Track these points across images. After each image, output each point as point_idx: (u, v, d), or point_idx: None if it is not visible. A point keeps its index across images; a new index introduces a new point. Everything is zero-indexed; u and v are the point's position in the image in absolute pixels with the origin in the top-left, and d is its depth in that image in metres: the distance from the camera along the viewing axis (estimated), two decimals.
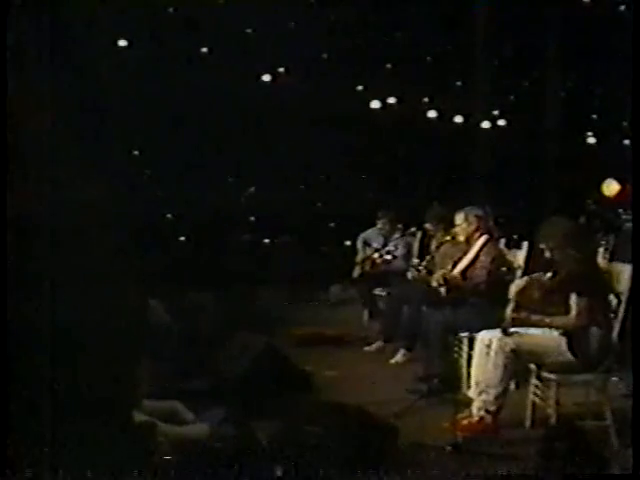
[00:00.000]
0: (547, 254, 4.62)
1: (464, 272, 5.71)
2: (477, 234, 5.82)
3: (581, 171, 12.88)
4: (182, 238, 10.40)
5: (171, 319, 5.84)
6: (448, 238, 6.00)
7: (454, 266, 5.80)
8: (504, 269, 5.39)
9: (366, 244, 8.11)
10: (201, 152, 9.78)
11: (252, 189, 11.18)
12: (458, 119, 13.67)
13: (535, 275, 4.66)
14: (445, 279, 5.57)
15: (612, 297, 4.60)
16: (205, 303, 7.10)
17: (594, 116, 13.85)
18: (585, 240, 4.71)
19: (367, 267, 7.78)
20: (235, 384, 5.07)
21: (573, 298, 4.41)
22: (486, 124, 13.79)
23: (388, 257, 7.63)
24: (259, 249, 10.91)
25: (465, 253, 5.80)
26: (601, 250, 6.81)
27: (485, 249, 5.74)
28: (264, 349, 5.43)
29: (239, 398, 4.80)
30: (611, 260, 6.45)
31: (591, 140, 14.21)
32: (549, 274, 4.56)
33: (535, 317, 4.53)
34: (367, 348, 7.01)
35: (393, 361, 6.45)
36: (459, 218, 5.88)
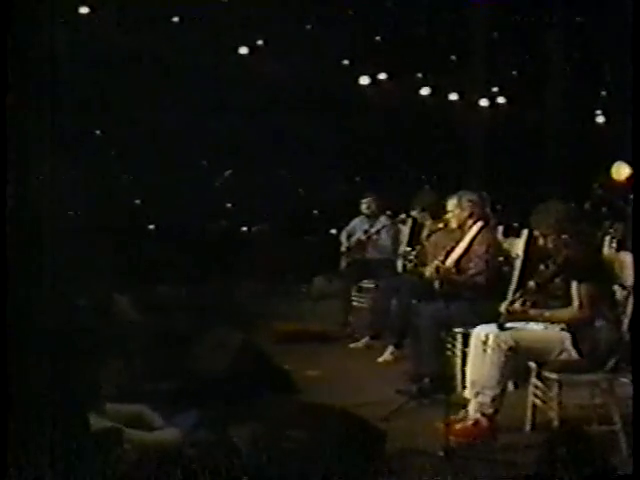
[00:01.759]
0: (541, 241, 4.63)
1: (458, 263, 5.72)
2: (471, 221, 5.83)
3: (588, 153, 12.93)
4: (151, 226, 10.33)
5: (139, 315, 5.81)
6: (440, 226, 6.00)
7: (447, 256, 5.80)
8: (501, 259, 5.39)
9: (351, 235, 8.10)
10: (170, 131, 9.71)
11: (228, 172, 11.10)
12: (453, 97, 13.67)
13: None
14: (437, 270, 5.56)
15: (620, 289, 4.61)
16: (176, 297, 7.09)
17: (603, 92, 13.84)
18: (582, 224, 4.72)
19: (353, 252, 7.77)
20: (210, 385, 5.05)
21: (574, 287, 4.42)
22: (484, 102, 13.79)
23: (375, 237, 7.62)
24: (236, 238, 10.86)
25: (458, 242, 5.81)
26: (607, 239, 6.84)
27: (479, 237, 5.75)
28: (241, 347, 5.44)
29: (214, 400, 4.78)
30: (619, 250, 6.47)
31: (600, 119, 14.23)
32: (543, 265, 4.57)
33: (534, 311, 4.53)
34: (353, 345, 7.02)
35: (381, 359, 6.47)
36: (451, 204, 5.88)
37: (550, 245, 4.59)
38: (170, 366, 5.30)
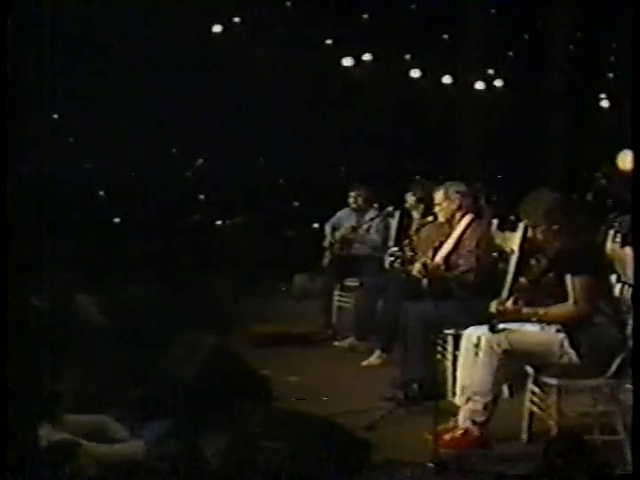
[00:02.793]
0: (531, 234, 4.64)
1: (447, 259, 5.73)
2: (459, 214, 5.85)
3: (592, 140, 12.98)
4: (116, 220, 10.27)
5: (102, 316, 5.79)
6: (429, 219, 6.00)
7: (435, 252, 5.81)
8: (494, 254, 5.39)
9: (336, 228, 8.09)
10: (138, 115, 9.65)
11: (200, 161, 11.07)
12: (446, 79, 13.69)
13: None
14: (425, 267, 5.55)
15: (623, 285, 4.61)
16: (144, 297, 7.04)
17: (610, 75, 13.86)
18: (576, 213, 4.71)
19: (337, 249, 7.76)
20: (180, 392, 5.00)
21: (568, 281, 4.42)
22: (480, 85, 13.81)
23: (360, 231, 7.63)
24: (210, 232, 10.84)
25: (448, 237, 5.83)
26: (611, 233, 6.86)
27: (469, 231, 5.76)
28: (215, 350, 5.42)
29: (184, 409, 4.77)
30: (623, 245, 6.49)
31: (604, 103, 14.26)
32: (534, 260, 4.57)
33: (527, 309, 4.53)
34: (337, 344, 7.08)
35: (366, 363, 6.46)
36: (438, 196, 5.90)
37: (541, 237, 4.59)
38: (136, 372, 5.28)
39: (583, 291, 4.39)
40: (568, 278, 4.42)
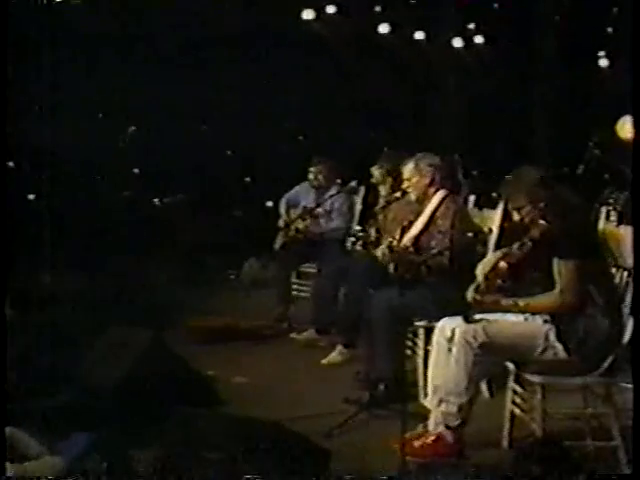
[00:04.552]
0: (515, 216, 4.66)
1: (417, 240, 5.74)
2: (432, 190, 5.86)
3: (586, 105, 13.04)
4: (31, 196, 10.13)
5: (12, 310, 5.73)
6: (397, 195, 6.00)
7: (403, 232, 5.82)
8: (470, 234, 5.41)
9: (292, 206, 8.08)
10: (59, 76, 9.50)
11: (132, 128, 10.94)
12: (419, 35, 13.67)
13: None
14: (391, 250, 5.56)
15: (618, 270, 4.64)
16: (65, 286, 7.00)
17: (609, 29, 13.91)
18: (563, 191, 4.73)
19: (292, 230, 7.76)
20: (106, 398, 5.00)
21: (555, 266, 4.44)
22: (458, 42, 13.82)
23: (319, 209, 7.64)
24: (144, 211, 10.78)
25: (418, 215, 5.83)
26: (604, 210, 6.93)
27: (443, 209, 5.78)
28: (149, 348, 5.41)
29: (112, 417, 4.75)
30: (619, 223, 6.54)
31: (603, 62, 14.32)
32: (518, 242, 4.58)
33: (506, 300, 4.54)
34: (294, 335, 7.14)
35: (326, 361, 6.50)
36: (408, 170, 5.91)
37: (526, 218, 4.61)
38: (54, 376, 5.22)
39: (572, 278, 4.41)
40: (555, 263, 4.44)
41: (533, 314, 4.56)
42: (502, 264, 4.49)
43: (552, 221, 4.47)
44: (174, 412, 4.55)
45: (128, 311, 6.82)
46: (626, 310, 4.53)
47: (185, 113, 10.91)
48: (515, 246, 4.50)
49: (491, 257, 4.72)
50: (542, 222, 4.48)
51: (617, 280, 4.65)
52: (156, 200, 11.26)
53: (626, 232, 4.69)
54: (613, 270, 4.68)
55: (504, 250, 4.62)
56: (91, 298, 7.02)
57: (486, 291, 4.51)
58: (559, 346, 4.49)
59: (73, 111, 9.52)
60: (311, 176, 7.93)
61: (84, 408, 4.82)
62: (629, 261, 4.55)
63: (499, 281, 4.49)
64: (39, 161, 9.29)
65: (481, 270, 4.62)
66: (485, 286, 4.51)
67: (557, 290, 4.45)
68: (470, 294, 4.56)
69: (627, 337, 4.46)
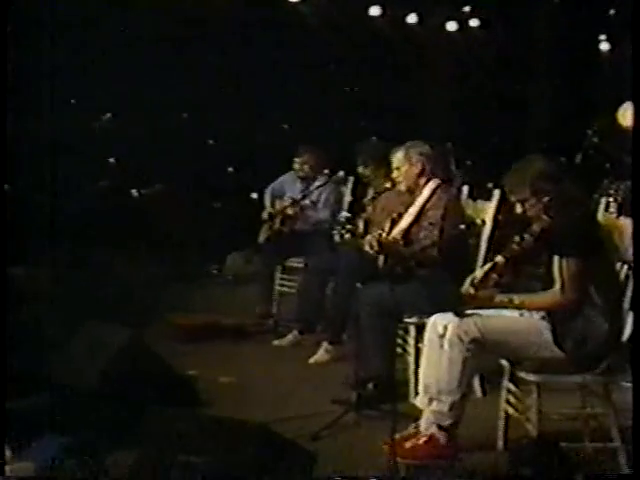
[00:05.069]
0: (518, 209, 4.67)
1: (407, 232, 5.75)
2: (422, 180, 5.88)
3: (586, 91, 13.04)
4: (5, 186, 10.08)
5: None
6: (387, 186, 6.01)
7: (393, 224, 5.84)
8: (462, 227, 5.42)
9: (277, 197, 8.08)
10: (28, 59, 9.45)
11: (108, 115, 10.89)
12: (411, 19, 13.66)
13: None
14: (380, 243, 5.57)
15: (619, 265, 4.66)
16: (37, 281, 6.95)
17: (611, 11, 13.90)
18: (568, 184, 4.74)
19: (277, 222, 7.76)
20: (81, 399, 4.95)
21: (555, 263, 4.45)
22: (452, 26, 13.82)
23: (305, 201, 7.65)
24: (121, 202, 10.73)
25: (409, 207, 5.84)
26: (603, 201, 6.94)
27: (434, 200, 5.79)
28: (127, 346, 5.37)
29: (86, 419, 4.72)
30: (619, 215, 6.55)
31: (604, 46, 14.32)
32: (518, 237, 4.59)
33: (501, 296, 4.55)
34: (277, 342, 7.07)
35: (312, 360, 6.52)
36: (397, 158, 5.93)
37: (529, 212, 4.61)
38: (26, 376, 5.19)
39: (572, 277, 4.40)
40: (556, 261, 4.45)
41: (529, 310, 4.58)
42: (500, 259, 4.50)
43: (555, 217, 4.48)
44: (153, 414, 4.54)
45: (104, 308, 6.81)
46: (626, 305, 4.55)
47: (164, 100, 10.87)
48: (516, 239, 4.51)
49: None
50: (545, 217, 4.49)
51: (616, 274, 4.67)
52: (134, 191, 11.21)
53: (626, 224, 4.71)
54: (618, 265, 4.68)
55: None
56: (65, 294, 6.98)
57: (482, 286, 4.51)
58: (555, 344, 4.51)
59: (43, 95, 9.48)
60: (296, 166, 7.93)
61: (58, 409, 4.80)
62: (629, 254, 4.56)
63: (494, 276, 4.49)
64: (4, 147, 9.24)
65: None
66: (480, 280, 4.52)
67: (556, 288, 4.45)
68: (465, 288, 4.56)
69: (627, 334, 4.48)
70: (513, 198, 4.71)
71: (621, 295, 4.59)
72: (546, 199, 4.54)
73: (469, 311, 4.56)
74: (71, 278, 7.55)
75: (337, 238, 6.24)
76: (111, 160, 11.29)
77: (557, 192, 4.56)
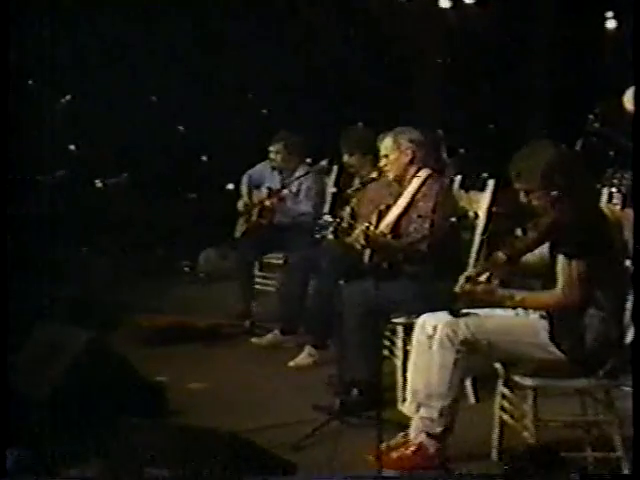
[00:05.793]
0: (522, 198, 4.65)
1: (395, 226, 5.75)
2: (412, 169, 5.88)
3: (590, 73, 13.08)
4: None
5: None
6: (374, 175, 6.00)
7: (380, 217, 5.84)
8: (454, 219, 5.43)
9: (255, 187, 8.08)
10: None
11: (67, 97, 10.84)
12: None
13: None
14: (366, 237, 5.57)
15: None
16: None
17: None
18: (579, 176, 4.72)
19: (255, 215, 7.75)
20: (36, 409, 4.93)
21: (560, 262, 4.45)
22: (445, 3, 13.84)
23: (285, 192, 7.66)
24: (83, 194, 10.71)
25: (398, 198, 5.84)
26: (606, 191, 6.95)
27: (424, 190, 5.78)
28: (88, 350, 5.34)
29: (43, 431, 4.70)
30: (624, 206, 6.57)
31: (610, 24, 14.37)
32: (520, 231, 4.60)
33: (502, 292, 4.55)
34: (256, 340, 7.13)
35: (293, 363, 6.54)
36: (386, 146, 5.92)
37: (534, 202, 4.59)
38: None
39: (576, 278, 4.38)
40: (559, 260, 4.44)
41: (526, 309, 4.59)
42: (500, 255, 4.50)
43: (563, 213, 4.47)
44: (117, 423, 4.53)
45: (63, 308, 6.79)
46: (628, 304, 4.56)
47: (131, 82, 10.85)
48: (518, 234, 4.51)
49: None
50: (552, 212, 4.48)
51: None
52: (97, 181, 11.19)
53: (630, 217, 4.71)
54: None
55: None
56: (20, 292, 6.95)
57: (479, 283, 4.50)
58: (553, 346, 4.51)
59: None
60: (272, 155, 7.91)
61: (12, 420, 4.77)
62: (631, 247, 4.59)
63: (494, 273, 4.49)
64: None
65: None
66: (476, 275, 4.51)
67: (559, 288, 4.44)
68: (460, 284, 4.55)
69: (629, 337, 4.49)
70: (519, 185, 4.66)
71: (625, 295, 4.59)
72: (555, 192, 4.52)
73: (465, 310, 4.54)
74: (23, 277, 7.49)
75: (319, 234, 6.25)
76: (71, 147, 11.27)
77: (568, 186, 4.54)
